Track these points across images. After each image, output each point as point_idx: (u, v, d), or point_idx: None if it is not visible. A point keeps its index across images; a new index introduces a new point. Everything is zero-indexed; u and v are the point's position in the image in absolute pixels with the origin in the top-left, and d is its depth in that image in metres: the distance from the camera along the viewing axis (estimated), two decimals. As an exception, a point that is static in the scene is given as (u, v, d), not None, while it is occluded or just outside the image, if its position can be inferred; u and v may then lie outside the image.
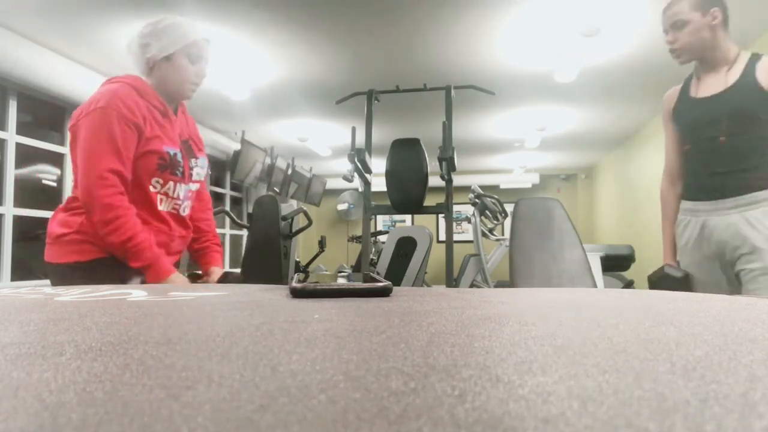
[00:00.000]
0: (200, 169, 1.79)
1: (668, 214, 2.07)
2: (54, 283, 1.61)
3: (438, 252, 9.98)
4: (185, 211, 1.73)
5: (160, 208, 1.64)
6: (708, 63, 1.90)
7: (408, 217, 10.77)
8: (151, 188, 1.61)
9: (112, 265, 1.58)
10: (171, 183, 1.65)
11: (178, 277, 1.58)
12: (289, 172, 8.46)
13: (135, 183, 1.59)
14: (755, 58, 1.82)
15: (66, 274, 1.58)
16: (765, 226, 1.76)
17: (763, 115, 1.79)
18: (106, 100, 1.54)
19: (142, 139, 1.58)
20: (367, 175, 2.63)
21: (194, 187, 1.77)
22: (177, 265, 1.75)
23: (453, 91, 2.97)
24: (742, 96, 1.82)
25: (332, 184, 10.57)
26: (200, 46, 1.67)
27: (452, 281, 2.71)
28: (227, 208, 6.94)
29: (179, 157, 1.67)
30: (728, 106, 1.86)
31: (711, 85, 1.91)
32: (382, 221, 11.01)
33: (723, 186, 1.86)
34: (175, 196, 1.67)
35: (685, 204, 1.98)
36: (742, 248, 1.80)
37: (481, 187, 6.27)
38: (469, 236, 10.76)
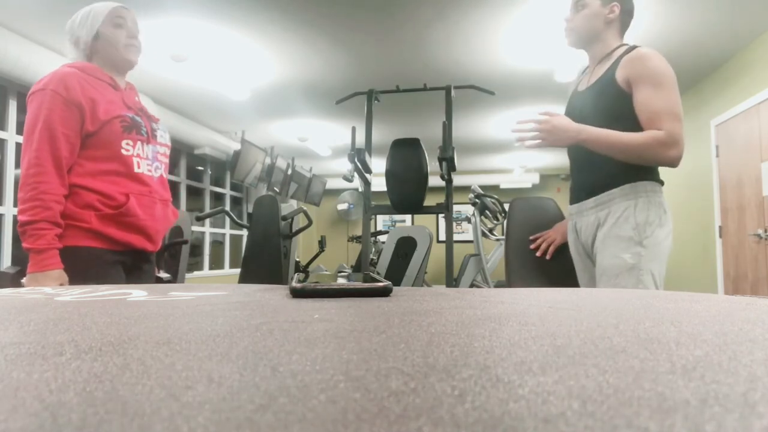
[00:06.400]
0: (163, 132, 1.85)
1: None
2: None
3: (438, 252, 10.01)
4: (157, 173, 1.78)
5: (138, 170, 1.69)
6: (592, 56, 1.85)
7: (408, 217, 10.78)
8: (124, 151, 1.67)
9: (94, 253, 1.60)
10: (139, 143, 1.71)
11: (58, 275, 1.53)
12: (289, 172, 8.46)
13: (108, 149, 1.65)
14: (627, 52, 1.72)
15: None
16: (608, 227, 1.70)
17: (615, 112, 1.70)
18: (46, 82, 1.61)
19: (97, 111, 1.63)
20: (367, 175, 2.63)
21: (162, 149, 1.82)
22: (163, 241, 1.76)
23: (453, 91, 2.97)
24: (596, 93, 1.76)
25: (332, 184, 10.57)
26: (119, 13, 1.75)
27: (452, 281, 2.71)
28: (227, 208, 6.94)
29: (138, 119, 1.73)
30: (581, 104, 1.80)
31: (584, 81, 1.87)
32: (382, 221, 11.02)
33: (582, 187, 1.83)
34: (145, 156, 1.73)
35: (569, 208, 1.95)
36: (593, 250, 1.78)
37: (481, 187, 6.28)
38: (469, 236, 10.76)
